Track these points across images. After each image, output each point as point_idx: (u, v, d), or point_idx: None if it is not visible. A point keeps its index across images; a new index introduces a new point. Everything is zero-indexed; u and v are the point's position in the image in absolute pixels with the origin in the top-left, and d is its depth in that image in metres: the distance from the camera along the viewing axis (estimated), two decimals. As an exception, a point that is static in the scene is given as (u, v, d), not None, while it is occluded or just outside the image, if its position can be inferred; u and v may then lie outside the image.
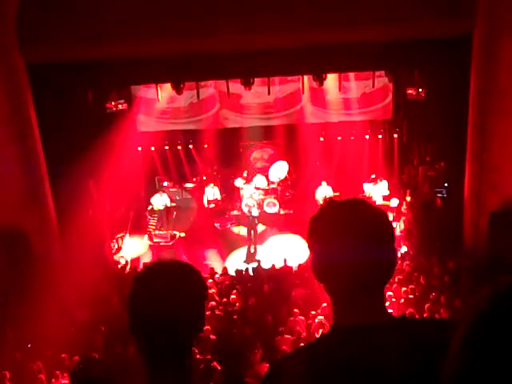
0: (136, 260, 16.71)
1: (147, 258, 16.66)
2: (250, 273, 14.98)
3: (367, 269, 1.79)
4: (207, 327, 11.28)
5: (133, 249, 17.59)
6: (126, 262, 16.15)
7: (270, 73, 15.88)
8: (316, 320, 11.77)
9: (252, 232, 17.10)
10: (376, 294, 1.85)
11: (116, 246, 17.09)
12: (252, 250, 16.73)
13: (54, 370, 10.36)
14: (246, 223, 17.44)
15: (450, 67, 14.04)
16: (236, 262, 16.31)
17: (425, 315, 11.91)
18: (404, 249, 15.76)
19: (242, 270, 15.03)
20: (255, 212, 17.38)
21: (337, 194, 17.80)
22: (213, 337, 11.08)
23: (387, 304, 10.62)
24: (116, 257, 16.57)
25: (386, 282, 1.86)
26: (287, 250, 16.21)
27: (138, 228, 18.23)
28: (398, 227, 16.49)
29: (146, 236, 17.80)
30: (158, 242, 17.46)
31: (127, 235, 17.77)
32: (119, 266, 15.90)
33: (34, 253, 13.88)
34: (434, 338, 1.74)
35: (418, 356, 1.72)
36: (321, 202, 17.86)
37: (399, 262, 14.14)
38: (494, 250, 13.20)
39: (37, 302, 12.73)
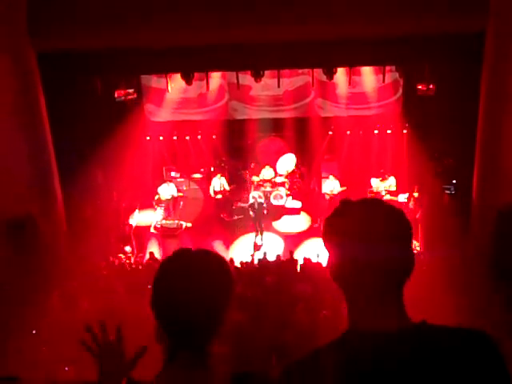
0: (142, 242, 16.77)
1: (154, 246, 16.69)
2: (255, 263, 14.99)
3: (385, 269, 1.78)
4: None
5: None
6: (132, 251, 16.18)
7: (280, 65, 15.83)
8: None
9: (257, 221, 17.08)
10: (394, 295, 1.83)
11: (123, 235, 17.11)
12: (258, 241, 16.72)
13: (58, 357, 10.42)
14: (254, 213, 17.42)
15: (461, 64, 13.98)
16: (241, 252, 16.31)
17: (429, 312, 11.87)
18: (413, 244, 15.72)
19: (247, 262, 15.04)
20: (261, 201, 17.39)
21: (344, 188, 17.77)
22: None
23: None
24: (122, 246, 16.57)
25: (404, 282, 1.83)
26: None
27: (145, 216, 18.27)
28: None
29: (153, 224, 17.83)
30: (165, 231, 17.48)
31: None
32: (124, 257, 15.92)
33: (41, 241, 13.92)
34: (452, 346, 1.73)
35: (435, 364, 1.70)
36: (328, 196, 17.86)
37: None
38: (500, 249, 13.16)
39: (42, 289, 12.79)
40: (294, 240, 16.92)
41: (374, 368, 1.71)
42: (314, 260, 14.55)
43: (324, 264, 14.49)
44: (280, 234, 17.37)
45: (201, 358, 2.01)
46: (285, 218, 18.18)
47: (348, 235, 1.81)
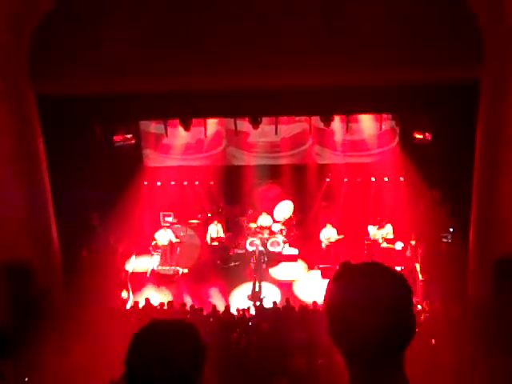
0: (138, 287, 16.67)
1: (150, 293, 16.57)
2: (252, 312, 14.89)
3: (386, 337, 1.76)
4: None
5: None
6: (128, 297, 16.05)
7: (277, 112, 15.98)
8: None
9: (258, 270, 17.01)
10: (395, 360, 1.81)
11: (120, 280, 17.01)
12: (257, 288, 16.60)
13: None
14: (250, 261, 17.37)
15: (457, 112, 14.10)
16: (239, 299, 16.20)
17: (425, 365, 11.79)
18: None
19: (243, 309, 14.94)
20: (261, 248, 17.39)
21: (341, 236, 17.78)
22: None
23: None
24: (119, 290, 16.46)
25: (404, 346, 1.82)
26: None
27: (142, 261, 18.19)
28: (402, 271, 16.39)
29: (149, 270, 17.75)
30: (161, 277, 17.38)
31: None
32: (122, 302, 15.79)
33: (37, 286, 13.82)
34: None
35: None
36: (325, 244, 17.85)
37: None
38: (498, 300, 13.09)
39: (37, 336, 12.65)
40: (290, 288, 16.83)
41: None
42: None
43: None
44: (276, 282, 17.26)
45: None
46: (282, 264, 18.08)
47: (348, 302, 1.80)
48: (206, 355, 2.08)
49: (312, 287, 16.56)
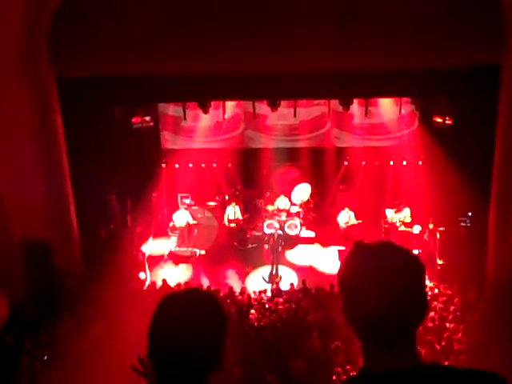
0: (155, 268, 16.79)
1: (167, 274, 16.68)
2: (269, 293, 14.94)
3: (399, 315, 1.78)
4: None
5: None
6: (145, 278, 16.15)
7: (296, 95, 15.94)
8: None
9: (275, 252, 17.04)
10: (407, 339, 1.83)
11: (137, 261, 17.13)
12: (274, 271, 16.63)
13: (70, 382, 10.41)
14: (268, 243, 17.40)
15: (478, 96, 13.98)
16: (255, 281, 16.25)
17: (443, 343, 11.80)
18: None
19: (260, 291, 15.01)
20: (279, 231, 17.42)
21: (359, 221, 17.77)
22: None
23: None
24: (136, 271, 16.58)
25: (417, 324, 1.84)
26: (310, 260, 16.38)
27: (159, 243, 18.27)
28: (419, 254, 16.34)
29: (167, 251, 17.82)
30: (179, 258, 17.48)
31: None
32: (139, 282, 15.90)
33: (55, 265, 13.97)
34: None
35: None
36: (343, 227, 17.83)
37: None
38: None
39: (56, 314, 12.81)
40: (307, 270, 16.83)
41: None
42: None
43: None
44: (293, 266, 17.25)
45: None
46: (299, 247, 18.10)
47: (361, 280, 1.82)
48: (228, 325, 2.08)
49: (329, 268, 16.53)
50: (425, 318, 1.84)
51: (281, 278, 16.12)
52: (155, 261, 17.42)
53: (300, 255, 17.79)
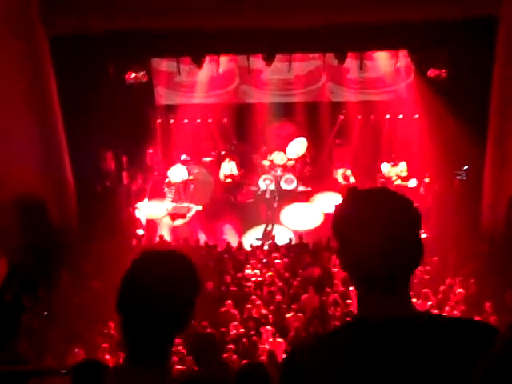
0: (153, 224, 16.83)
1: (164, 229, 16.76)
2: (266, 248, 15.05)
3: (393, 259, 1.78)
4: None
5: (151, 210, 17.71)
6: (143, 235, 16.22)
7: (291, 49, 15.79)
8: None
9: (269, 209, 17.09)
10: (402, 284, 1.83)
11: (133, 217, 17.18)
12: (269, 228, 16.69)
13: (71, 338, 10.53)
14: (264, 199, 17.45)
15: (474, 48, 13.85)
16: (252, 237, 16.33)
17: (439, 296, 11.96)
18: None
19: (257, 246, 15.10)
20: (272, 187, 17.42)
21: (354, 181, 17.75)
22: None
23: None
24: (132, 228, 16.64)
25: (412, 271, 1.84)
26: (303, 220, 16.26)
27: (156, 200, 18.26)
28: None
29: (163, 208, 17.83)
30: (175, 215, 17.52)
31: (146, 200, 17.82)
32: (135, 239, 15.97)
33: (51, 222, 14.01)
34: (457, 337, 1.75)
35: (440, 352, 1.72)
36: (340, 181, 17.83)
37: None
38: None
39: (53, 270, 12.89)
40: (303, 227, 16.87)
41: (381, 354, 1.73)
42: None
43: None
44: (290, 223, 17.24)
45: (161, 358, 2.04)
46: (295, 206, 18.06)
47: (356, 225, 1.81)
48: (199, 287, 2.09)
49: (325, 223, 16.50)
50: (418, 264, 1.84)
51: (274, 235, 16.17)
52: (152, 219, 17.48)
53: (296, 220, 17.66)
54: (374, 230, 1.77)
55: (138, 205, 17.47)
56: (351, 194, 1.90)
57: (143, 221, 17.06)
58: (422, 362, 1.71)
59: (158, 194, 18.39)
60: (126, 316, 2.02)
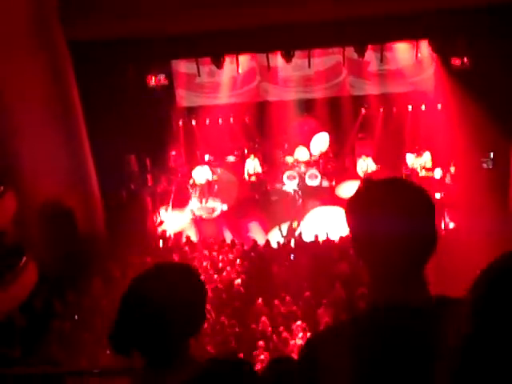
0: (179, 233, 16.86)
1: (190, 231, 16.79)
2: (292, 245, 15.01)
3: (407, 246, 1.78)
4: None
5: (175, 222, 17.60)
6: (169, 235, 16.26)
7: (310, 45, 15.75)
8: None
9: (293, 205, 17.05)
10: (416, 271, 1.82)
11: (159, 220, 17.26)
12: (294, 225, 16.63)
13: (100, 341, 10.60)
14: (288, 196, 17.42)
15: (496, 36, 13.70)
16: (278, 235, 16.30)
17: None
18: (447, 219, 15.59)
19: (284, 243, 15.07)
20: (294, 184, 17.40)
21: (377, 166, 17.59)
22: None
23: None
24: (159, 230, 16.71)
25: (426, 258, 1.83)
26: (329, 223, 15.99)
27: (180, 201, 18.29)
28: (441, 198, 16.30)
29: (188, 209, 17.88)
30: (200, 216, 17.56)
31: (169, 209, 17.85)
32: (162, 240, 16.02)
33: (79, 228, 14.13)
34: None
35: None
36: (361, 175, 17.70)
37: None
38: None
39: (82, 275, 12.99)
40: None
41: (396, 343, 1.73)
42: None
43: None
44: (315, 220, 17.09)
45: (175, 361, 2.07)
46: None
47: (370, 212, 1.81)
48: (204, 301, 2.12)
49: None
50: (432, 252, 1.82)
51: (300, 231, 16.09)
52: (177, 219, 17.54)
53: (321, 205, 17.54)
54: (387, 217, 1.77)
55: (163, 214, 17.51)
56: (366, 183, 1.93)
57: (169, 223, 17.13)
58: (428, 350, 1.68)
59: (181, 198, 18.39)
60: (132, 328, 2.04)
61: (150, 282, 2.07)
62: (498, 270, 1.20)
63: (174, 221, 17.55)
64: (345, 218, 1.90)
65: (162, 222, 17.07)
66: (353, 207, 1.88)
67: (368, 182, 1.93)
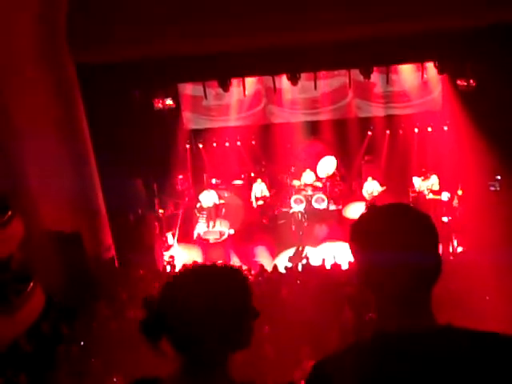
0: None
1: (197, 256, 16.74)
2: (299, 269, 14.94)
3: (410, 275, 1.79)
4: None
5: (182, 256, 17.33)
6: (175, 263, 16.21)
7: (316, 67, 15.78)
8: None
9: (300, 229, 17.01)
10: (420, 299, 1.84)
11: (166, 244, 17.23)
12: (300, 249, 16.54)
13: (107, 367, 10.53)
14: (295, 219, 17.38)
15: (502, 57, 13.70)
16: (285, 259, 16.21)
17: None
18: (455, 243, 15.52)
19: (291, 267, 15.00)
20: (300, 208, 17.37)
21: (383, 188, 17.50)
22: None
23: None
24: (166, 255, 16.68)
25: (431, 286, 1.84)
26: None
27: (187, 225, 18.26)
28: (449, 221, 16.23)
29: (195, 233, 17.85)
30: (207, 240, 17.52)
31: (175, 243, 17.80)
32: (169, 265, 15.98)
33: (87, 253, 14.11)
34: (477, 349, 1.72)
35: (459, 366, 1.70)
36: (367, 198, 17.66)
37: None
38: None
39: (89, 299, 12.95)
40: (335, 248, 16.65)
41: (401, 369, 1.73)
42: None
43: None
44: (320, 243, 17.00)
45: (215, 371, 1.95)
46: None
47: (373, 240, 1.84)
48: (251, 300, 1.98)
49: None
50: (437, 277, 1.84)
51: (306, 256, 15.99)
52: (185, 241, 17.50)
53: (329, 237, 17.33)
54: (391, 242, 1.79)
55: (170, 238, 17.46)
56: (370, 209, 1.97)
57: (176, 247, 17.10)
58: (446, 377, 1.70)
59: (188, 223, 18.34)
60: (176, 338, 1.93)
61: (187, 283, 1.93)
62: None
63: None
64: (349, 246, 1.92)
65: (169, 247, 17.03)
66: (356, 235, 1.90)
67: (371, 209, 1.96)
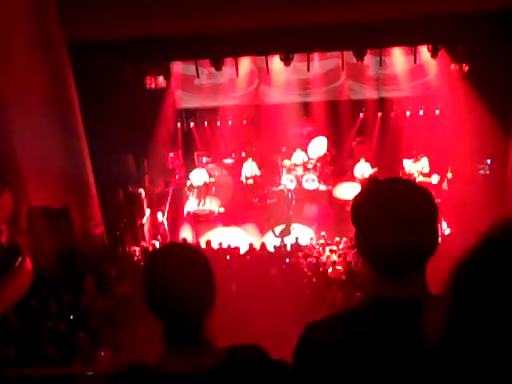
0: (176, 235, 16.87)
1: (187, 233, 16.77)
2: (288, 248, 14.99)
3: (410, 248, 1.79)
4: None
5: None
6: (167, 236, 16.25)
7: (309, 48, 15.73)
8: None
9: (289, 208, 17.04)
10: (416, 270, 1.85)
11: (155, 221, 17.24)
12: (286, 227, 16.63)
13: (96, 341, 10.58)
14: (284, 199, 17.41)
15: (495, 41, 13.71)
16: (274, 238, 16.28)
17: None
18: (444, 225, 15.59)
19: (280, 246, 15.05)
20: (291, 186, 17.40)
21: (375, 169, 17.55)
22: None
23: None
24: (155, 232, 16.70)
25: (427, 258, 1.85)
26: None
27: (177, 202, 18.27)
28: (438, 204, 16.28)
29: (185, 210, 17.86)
30: (197, 217, 17.53)
31: (165, 220, 17.74)
32: (159, 241, 16.01)
33: (75, 228, 14.11)
34: None
35: None
36: (359, 179, 17.70)
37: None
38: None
39: (77, 276, 12.98)
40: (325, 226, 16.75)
41: (399, 335, 1.75)
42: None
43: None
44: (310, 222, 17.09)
45: (198, 339, 2.10)
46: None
47: (372, 210, 1.84)
48: (212, 271, 2.13)
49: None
50: (433, 252, 1.84)
51: (291, 233, 16.05)
52: (175, 219, 17.51)
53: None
54: (389, 216, 1.79)
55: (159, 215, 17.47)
56: (370, 183, 1.93)
57: (166, 225, 17.11)
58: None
59: (178, 201, 18.38)
60: (156, 305, 2.06)
61: (169, 257, 2.09)
62: (475, 261, 1.17)
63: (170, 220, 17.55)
64: (350, 218, 1.92)
65: (159, 224, 17.03)
66: (357, 206, 1.91)
67: (372, 182, 1.92)
